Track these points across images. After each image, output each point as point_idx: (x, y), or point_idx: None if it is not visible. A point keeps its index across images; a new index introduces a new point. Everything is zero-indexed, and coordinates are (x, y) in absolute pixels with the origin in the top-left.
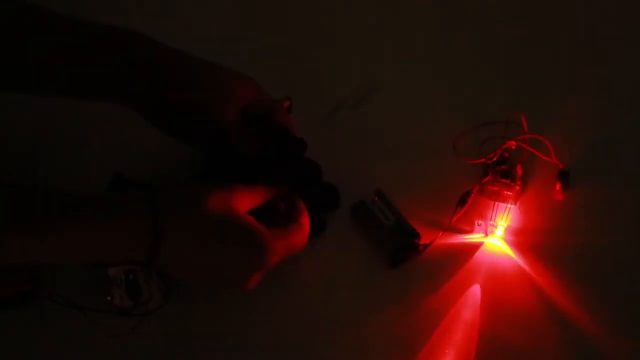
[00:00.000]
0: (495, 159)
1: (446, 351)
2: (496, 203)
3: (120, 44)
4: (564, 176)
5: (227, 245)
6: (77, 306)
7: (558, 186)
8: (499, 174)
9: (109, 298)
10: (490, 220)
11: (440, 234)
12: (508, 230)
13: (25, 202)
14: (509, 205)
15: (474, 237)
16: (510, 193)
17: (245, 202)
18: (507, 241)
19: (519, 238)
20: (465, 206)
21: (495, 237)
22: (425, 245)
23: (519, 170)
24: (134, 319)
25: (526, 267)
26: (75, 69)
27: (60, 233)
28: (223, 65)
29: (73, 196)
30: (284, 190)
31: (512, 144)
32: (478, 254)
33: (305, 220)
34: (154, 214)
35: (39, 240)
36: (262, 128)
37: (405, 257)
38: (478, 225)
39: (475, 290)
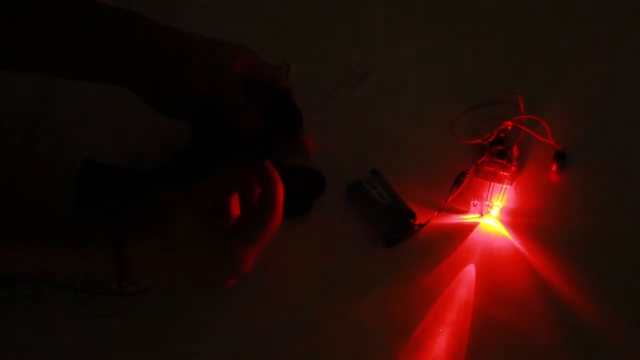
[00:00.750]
0: (491, 139)
1: (440, 330)
2: (492, 183)
3: (117, 26)
4: (560, 157)
5: (197, 261)
6: (70, 288)
7: (554, 167)
8: (495, 154)
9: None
10: (486, 200)
11: (436, 214)
12: (503, 210)
13: None
14: (504, 186)
15: (470, 218)
16: (506, 174)
17: (214, 201)
18: (502, 222)
19: (515, 219)
20: (461, 186)
21: (491, 217)
22: (421, 225)
23: (515, 151)
24: (126, 299)
25: (521, 248)
26: (69, 53)
27: (19, 257)
28: (221, 40)
29: (35, 218)
30: (255, 167)
31: (509, 124)
32: (473, 234)
33: (278, 198)
34: (115, 246)
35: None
36: (264, 101)
37: (400, 237)
38: (474, 205)
39: (470, 270)
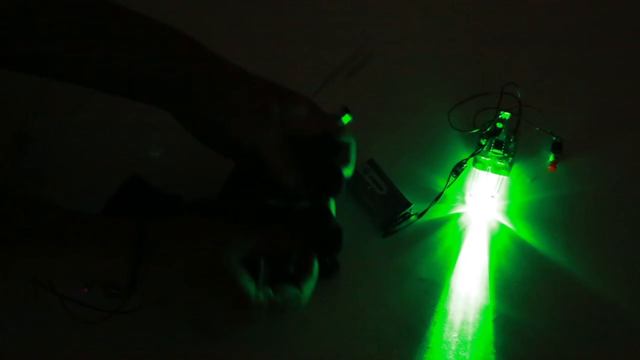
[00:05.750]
0: (488, 129)
1: (437, 320)
2: (489, 174)
3: (169, 52)
4: (557, 147)
5: (207, 302)
6: (56, 292)
7: (551, 157)
8: (493, 144)
9: (85, 290)
10: (483, 190)
11: (433, 203)
12: (501, 200)
13: (12, 219)
14: (501, 176)
15: (467, 208)
16: (503, 164)
17: (245, 249)
18: (499, 211)
19: (512, 209)
20: (458, 176)
21: (488, 207)
22: (418, 215)
23: (513, 142)
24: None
25: (519, 238)
26: (112, 70)
27: (37, 256)
28: (277, 86)
29: (60, 216)
30: (297, 245)
31: (506, 115)
32: (470, 225)
33: (309, 285)
34: (134, 259)
35: (19, 259)
36: (309, 158)
37: (397, 227)
38: (470, 195)
39: (468, 259)
